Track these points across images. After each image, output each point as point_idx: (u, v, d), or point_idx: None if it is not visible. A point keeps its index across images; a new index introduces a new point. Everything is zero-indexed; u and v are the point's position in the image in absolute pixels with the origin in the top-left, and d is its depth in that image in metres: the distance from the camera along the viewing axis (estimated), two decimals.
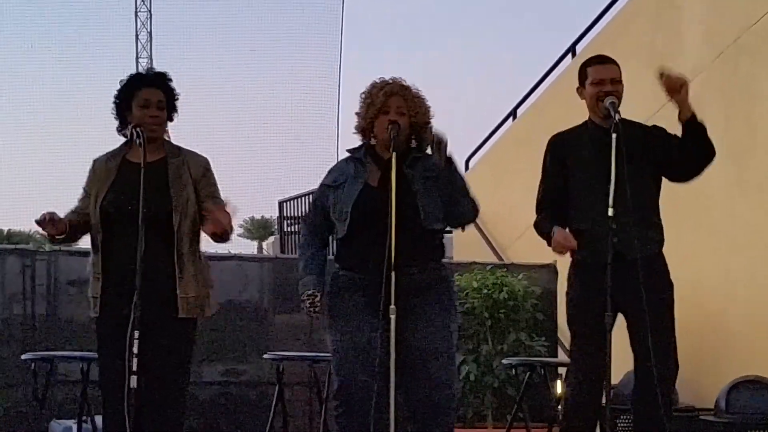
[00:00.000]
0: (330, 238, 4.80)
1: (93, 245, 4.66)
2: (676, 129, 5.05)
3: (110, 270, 4.57)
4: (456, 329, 4.67)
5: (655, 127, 5.12)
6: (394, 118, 4.52)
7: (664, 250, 5.01)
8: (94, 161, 4.76)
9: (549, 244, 4.98)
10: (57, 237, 4.58)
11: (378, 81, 4.65)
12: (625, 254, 4.70)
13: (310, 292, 4.61)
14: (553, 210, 5.06)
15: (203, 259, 4.73)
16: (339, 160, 4.83)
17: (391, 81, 4.63)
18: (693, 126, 4.83)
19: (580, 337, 4.97)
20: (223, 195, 4.75)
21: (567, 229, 5.03)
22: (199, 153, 4.79)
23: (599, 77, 4.95)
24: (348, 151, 4.76)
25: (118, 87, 4.71)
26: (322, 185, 4.73)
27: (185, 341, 4.64)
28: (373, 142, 4.64)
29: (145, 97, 4.65)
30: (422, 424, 4.51)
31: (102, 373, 4.63)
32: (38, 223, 4.53)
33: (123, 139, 4.75)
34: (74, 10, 27.41)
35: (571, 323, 5.06)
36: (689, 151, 4.88)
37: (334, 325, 4.63)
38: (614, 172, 4.64)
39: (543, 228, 5.02)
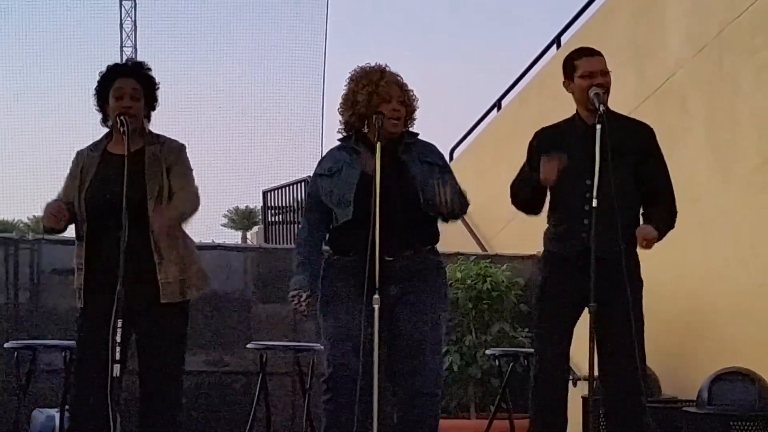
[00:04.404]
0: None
1: (77, 236, 4.67)
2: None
3: (93, 261, 4.57)
4: (446, 319, 4.69)
5: (648, 128, 5.10)
6: (397, 107, 4.56)
7: None
8: (78, 153, 4.76)
9: (531, 193, 4.96)
10: (55, 229, 4.58)
11: (367, 68, 4.66)
12: (596, 250, 4.66)
13: (295, 292, 4.61)
14: None
15: (188, 242, 4.74)
16: (330, 149, 4.81)
17: (382, 68, 4.64)
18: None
19: (542, 327, 4.99)
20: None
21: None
22: (177, 139, 4.79)
23: (589, 69, 4.92)
24: (339, 140, 4.76)
25: (98, 79, 4.72)
26: (315, 175, 4.72)
27: (173, 326, 4.66)
28: (365, 129, 4.62)
29: (118, 87, 4.64)
30: (409, 410, 4.53)
31: (81, 364, 4.62)
32: (50, 213, 4.53)
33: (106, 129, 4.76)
34: None
35: (534, 313, 5.08)
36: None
37: (327, 310, 4.63)
38: (598, 165, 4.64)
39: (524, 181, 4.99)
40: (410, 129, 4.71)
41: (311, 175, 4.83)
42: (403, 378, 4.54)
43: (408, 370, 4.53)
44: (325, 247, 4.78)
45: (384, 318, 4.36)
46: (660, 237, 4.86)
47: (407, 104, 4.63)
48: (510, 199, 5.13)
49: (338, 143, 4.76)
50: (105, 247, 4.53)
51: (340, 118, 4.72)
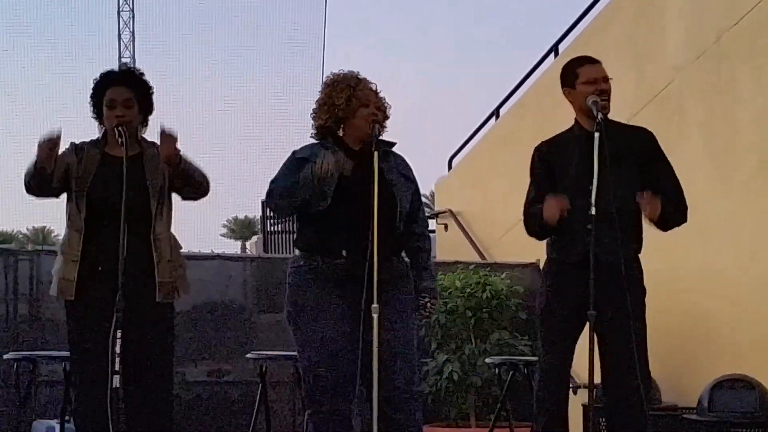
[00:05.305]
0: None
1: (72, 225, 4.62)
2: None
3: (91, 256, 4.55)
4: (417, 325, 4.76)
5: (648, 133, 5.09)
6: (375, 111, 4.59)
7: (648, 248, 5.01)
8: (74, 145, 4.69)
9: (539, 228, 4.93)
10: (42, 167, 4.45)
11: (342, 74, 4.67)
12: (600, 257, 4.67)
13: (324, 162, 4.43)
14: None
15: (177, 245, 4.74)
16: (304, 145, 4.77)
17: (357, 75, 4.67)
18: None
19: (547, 335, 4.98)
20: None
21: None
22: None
23: (593, 76, 4.93)
24: (314, 138, 4.72)
25: (92, 86, 4.72)
26: (296, 158, 4.63)
27: (166, 327, 4.67)
28: (341, 133, 4.63)
29: (110, 98, 4.64)
30: (393, 412, 4.50)
31: (80, 366, 4.59)
32: (47, 149, 4.41)
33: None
34: (56, 8, 27.35)
35: (539, 322, 5.07)
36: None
37: (302, 319, 4.59)
38: (596, 172, 4.64)
39: (532, 216, 4.96)
40: (384, 138, 4.68)
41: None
42: (386, 381, 4.46)
43: (391, 372, 4.48)
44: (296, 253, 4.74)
45: (364, 323, 4.37)
46: (667, 224, 4.91)
47: (382, 110, 4.65)
48: (523, 226, 5.11)
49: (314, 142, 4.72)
50: (104, 246, 4.50)
51: (313, 123, 4.71)
